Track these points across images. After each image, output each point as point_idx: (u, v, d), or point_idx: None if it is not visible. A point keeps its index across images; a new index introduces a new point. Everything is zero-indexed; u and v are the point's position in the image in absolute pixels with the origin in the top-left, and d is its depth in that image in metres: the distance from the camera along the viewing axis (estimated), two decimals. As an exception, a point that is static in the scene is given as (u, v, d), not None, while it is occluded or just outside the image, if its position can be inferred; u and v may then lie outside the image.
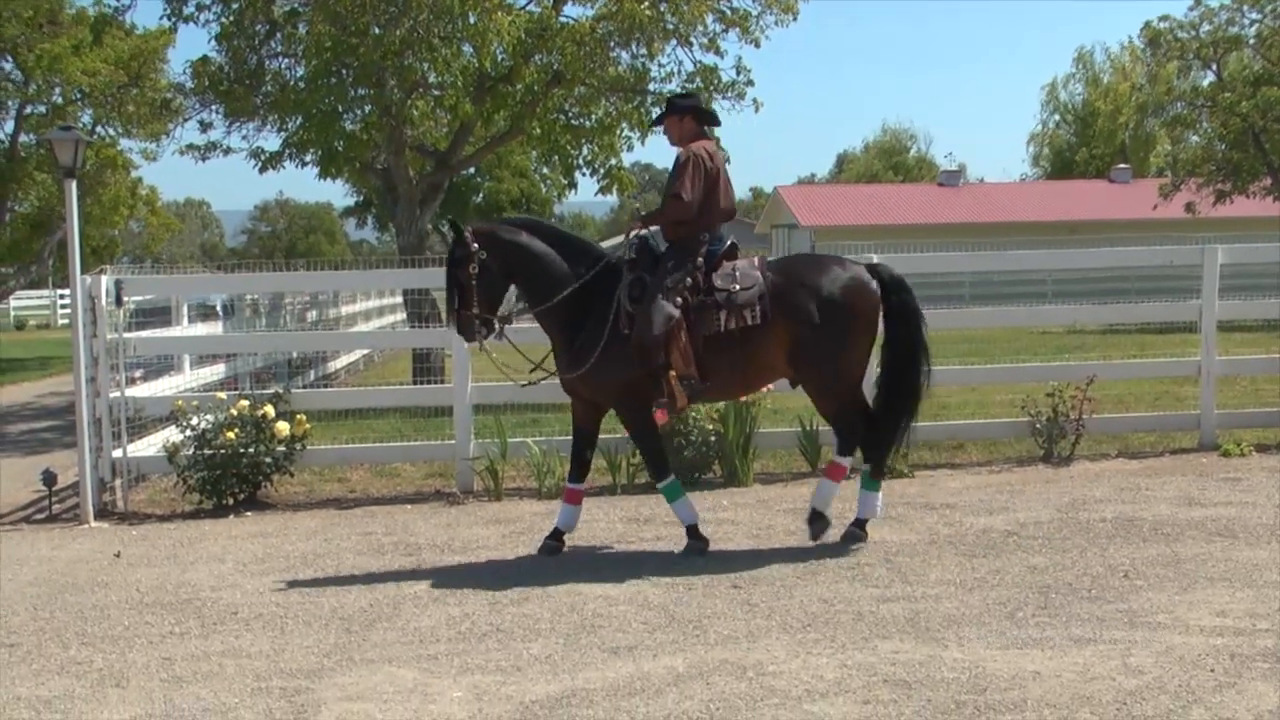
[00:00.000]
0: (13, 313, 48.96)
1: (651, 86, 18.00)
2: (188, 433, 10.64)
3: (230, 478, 10.55)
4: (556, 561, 8.22)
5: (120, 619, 7.30)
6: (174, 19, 17.69)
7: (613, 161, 18.53)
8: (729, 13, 17.77)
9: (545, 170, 21.62)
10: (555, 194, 23.79)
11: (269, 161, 18.80)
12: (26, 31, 25.87)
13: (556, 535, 8.51)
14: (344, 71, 16.79)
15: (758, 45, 17.91)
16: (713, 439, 10.70)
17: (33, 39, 25.83)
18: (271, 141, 19.06)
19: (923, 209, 47.36)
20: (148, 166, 78.26)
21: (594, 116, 18.29)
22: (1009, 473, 10.98)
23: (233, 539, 9.40)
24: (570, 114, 18.46)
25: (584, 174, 18.99)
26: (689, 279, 8.10)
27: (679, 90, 17.85)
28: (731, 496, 10.19)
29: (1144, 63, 41.58)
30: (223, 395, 11.09)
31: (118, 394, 10.91)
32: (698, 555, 8.18)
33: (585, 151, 18.54)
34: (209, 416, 10.69)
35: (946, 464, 11.45)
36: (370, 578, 7.99)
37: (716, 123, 8.93)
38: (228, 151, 19.73)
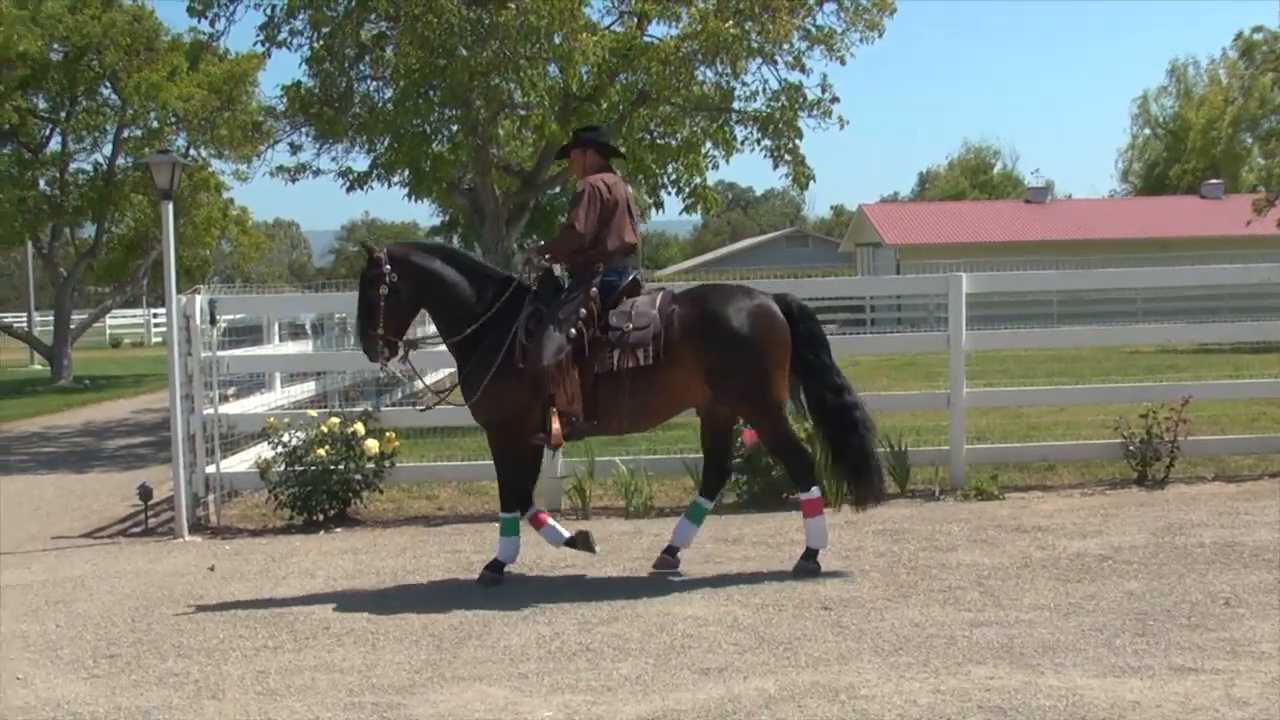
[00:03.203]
0: (108, 331, 50.09)
1: (736, 105, 18.02)
2: (279, 449, 10.78)
3: (321, 494, 10.67)
4: (645, 581, 8.20)
5: (215, 632, 7.41)
6: (267, 44, 17.98)
7: (697, 180, 18.53)
8: (814, 30, 17.74)
9: (630, 189, 21.69)
10: (639, 213, 23.78)
11: (357, 182, 19.08)
12: (124, 58, 26.55)
13: (571, 541, 8.53)
14: (431, 93, 16.97)
15: (843, 62, 17.92)
16: (800, 459, 10.60)
17: (130, 66, 26.50)
18: (360, 162, 19.36)
19: (1009, 226, 46.87)
20: (239, 188, 79.71)
21: (679, 135, 18.33)
22: (1102, 495, 10.79)
23: (323, 555, 9.51)
24: (655, 133, 18.51)
25: (669, 193, 19.00)
26: (583, 309, 8.06)
27: (763, 109, 17.88)
28: (819, 517, 10.10)
29: (1239, 75, 40.88)
30: (313, 413, 11.23)
31: (211, 411, 11.09)
32: (492, 585, 8.23)
33: (670, 170, 18.57)
34: (300, 433, 10.83)
35: (1038, 486, 11.28)
36: (460, 595, 8.03)
37: (619, 155, 8.91)
38: (317, 173, 20.10)
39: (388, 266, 8.31)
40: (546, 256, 8.52)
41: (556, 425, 8.01)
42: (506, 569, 8.42)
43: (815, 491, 8.24)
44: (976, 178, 72.99)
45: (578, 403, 8.01)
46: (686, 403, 8.43)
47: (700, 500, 8.51)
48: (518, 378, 8.04)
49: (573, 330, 7.97)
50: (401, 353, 8.49)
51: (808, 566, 8.19)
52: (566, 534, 8.60)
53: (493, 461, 8.57)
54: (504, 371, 8.09)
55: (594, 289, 8.14)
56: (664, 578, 8.26)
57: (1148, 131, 61.94)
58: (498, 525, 8.54)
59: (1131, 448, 11.22)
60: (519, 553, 8.51)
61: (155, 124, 27.97)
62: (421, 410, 10.55)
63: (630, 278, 8.35)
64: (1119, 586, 7.61)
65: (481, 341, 8.23)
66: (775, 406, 8.23)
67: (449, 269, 8.41)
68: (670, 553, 8.43)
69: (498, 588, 8.20)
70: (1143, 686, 5.80)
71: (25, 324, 38.15)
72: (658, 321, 8.02)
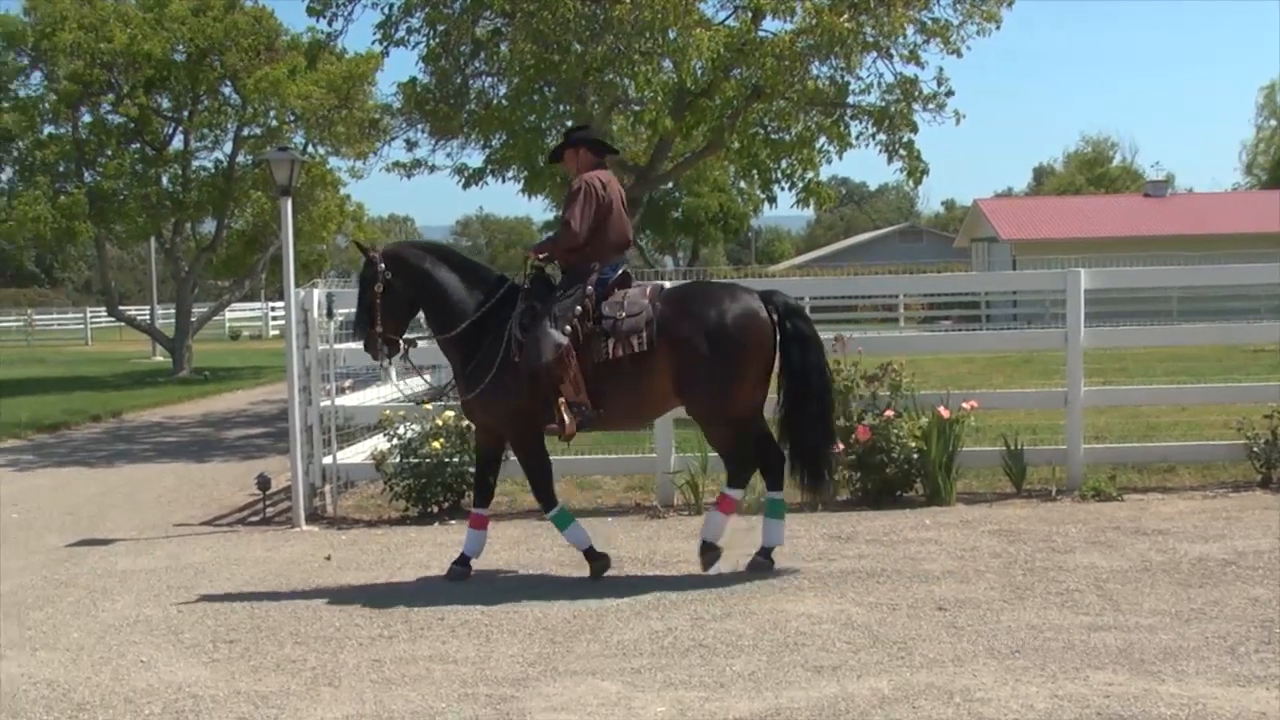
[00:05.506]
0: (228, 324, 51.29)
1: (851, 99, 17.84)
2: (394, 441, 10.94)
3: (435, 486, 10.81)
4: (758, 578, 8.16)
5: (331, 620, 7.55)
6: (385, 43, 18.22)
7: (810, 175, 18.40)
8: (930, 23, 17.49)
9: (743, 184, 21.60)
10: (752, 208, 23.77)
11: (472, 178, 19.26)
12: (245, 59, 27.17)
13: (464, 561, 8.55)
14: (545, 89, 17.07)
15: (959, 55, 17.61)
16: (914, 456, 10.51)
17: (251, 66, 27.12)
18: (475, 158, 19.59)
19: (1127, 221, 45.89)
20: (355, 184, 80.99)
21: (793, 130, 18.21)
22: (1224, 498, 10.51)
23: (438, 546, 9.62)
24: (769, 128, 18.42)
25: (782, 188, 18.88)
26: (579, 306, 8.08)
27: (877, 104, 17.69)
28: (934, 515, 10.00)
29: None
30: (429, 405, 11.35)
31: (328, 403, 11.28)
32: (602, 574, 8.31)
33: (784, 165, 18.44)
34: (415, 426, 10.98)
35: (1157, 487, 11.02)
36: (573, 589, 8.08)
37: (613, 152, 9.02)
38: (432, 169, 20.31)
39: (382, 265, 8.45)
40: (542, 255, 8.61)
41: (568, 416, 8.12)
42: (618, 558, 8.49)
43: (738, 494, 8.36)
44: (1092, 171, 71.57)
45: (583, 392, 8.11)
46: (673, 400, 8.44)
47: (771, 495, 8.48)
48: (513, 373, 8.14)
49: (568, 327, 8.04)
50: (402, 350, 8.64)
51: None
52: (474, 553, 8.59)
53: (519, 460, 8.69)
54: (505, 366, 8.18)
55: (590, 286, 8.20)
56: (764, 575, 8.23)
57: (1274, 122, 60.23)
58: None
59: (1255, 449, 10.92)
60: (589, 536, 8.52)
61: (274, 122, 28.59)
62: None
63: (622, 270, 8.44)
64: (1243, 592, 7.41)
65: (475, 339, 8.33)
66: (735, 409, 8.19)
67: (441, 267, 8.53)
68: (763, 554, 8.41)
69: (610, 582, 8.23)
70: (1269, 697, 5.64)
71: (148, 317, 39.24)
72: (649, 309, 8.10)
